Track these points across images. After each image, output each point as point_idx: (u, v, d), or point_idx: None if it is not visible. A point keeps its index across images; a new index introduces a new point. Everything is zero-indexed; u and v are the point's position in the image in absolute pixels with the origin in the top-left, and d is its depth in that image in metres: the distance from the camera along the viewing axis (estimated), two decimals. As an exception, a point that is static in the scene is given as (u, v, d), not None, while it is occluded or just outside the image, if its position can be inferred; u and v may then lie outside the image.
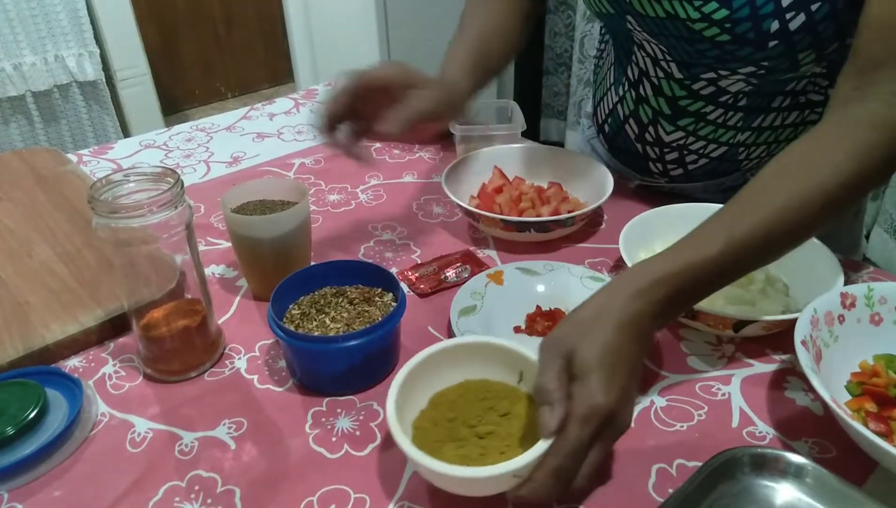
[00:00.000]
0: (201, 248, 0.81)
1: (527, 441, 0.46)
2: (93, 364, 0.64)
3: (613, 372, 0.48)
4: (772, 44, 0.64)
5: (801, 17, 0.62)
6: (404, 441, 0.47)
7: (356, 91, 0.67)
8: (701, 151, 0.80)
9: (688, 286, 0.52)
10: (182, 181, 0.56)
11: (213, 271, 0.77)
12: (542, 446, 0.46)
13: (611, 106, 0.87)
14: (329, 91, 0.67)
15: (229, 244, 0.82)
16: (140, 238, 0.55)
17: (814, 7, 0.62)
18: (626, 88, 0.83)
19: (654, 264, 0.53)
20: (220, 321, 0.69)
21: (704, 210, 0.74)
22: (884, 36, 0.57)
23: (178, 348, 0.62)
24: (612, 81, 0.86)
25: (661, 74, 0.77)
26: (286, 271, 0.65)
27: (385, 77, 0.67)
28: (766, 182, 0.55)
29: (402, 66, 0.68)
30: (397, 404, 0.49)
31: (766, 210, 0.53)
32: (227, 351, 0.65)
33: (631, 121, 0.84)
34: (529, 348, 0.52)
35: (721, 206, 0.56)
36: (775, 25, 0.63)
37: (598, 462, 0.48)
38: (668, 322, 0.56)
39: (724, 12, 0.64)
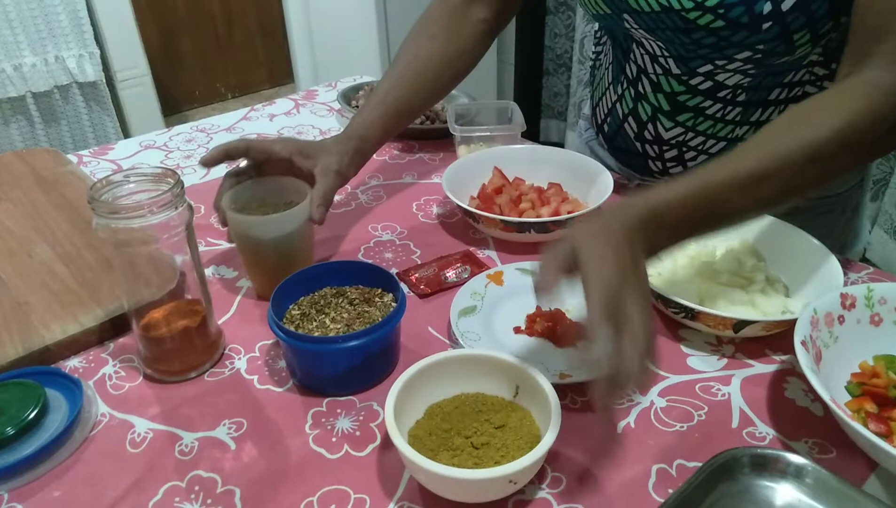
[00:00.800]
0: (201, 248, 0.81)
1: (521, 453, 0.47)
2: (93, 365, 0.64)
3: (615, 251, 0.49)
4: (766, 25, 0.65)
5: None
6: (402, 444, 0.47)
7: (245, 154, 0.76)
8: (700, 148, 0.81)
9: (691, 210, 0.55)
10: (182, 182, 0.56)
11: (213, 271, 0.77)
12: (538, 452, 0.46)
13: (609, 105, 0.88)
14: (209, 151, 0.75)
15: (229, 245, 0.82)
16: (140, 239, 0.55)
17: None
18: (625, 86, 0.83)
19: (655, 190, 0.55)
20: (220, 322, 0.69)
21: (704, 211, 0.75)
22: (878, 9, 0.58)
23: (178, 348, 0.62)
24: (609, 80, 0.87)
25: (659, 71, 0.78)
26: (289, 270, 0.65)
27: (279, 151, 0.76)
28: (762, 135, 0.58)
29: (292, 141, 0.78)
30: (395, 410, 0.50)
31: (761, 154, 0.56)
32: (227, 351, 0.65)
33: (630, 119, 0.84)
34: (528, 352, 0.52)
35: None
36: (768, 7, 0.64)
37: (639, 333, 0.47)
38: (664, 247, 0.57)
39: None
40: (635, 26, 0.74)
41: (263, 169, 0.76)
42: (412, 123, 0.92)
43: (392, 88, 0.84)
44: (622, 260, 0.49)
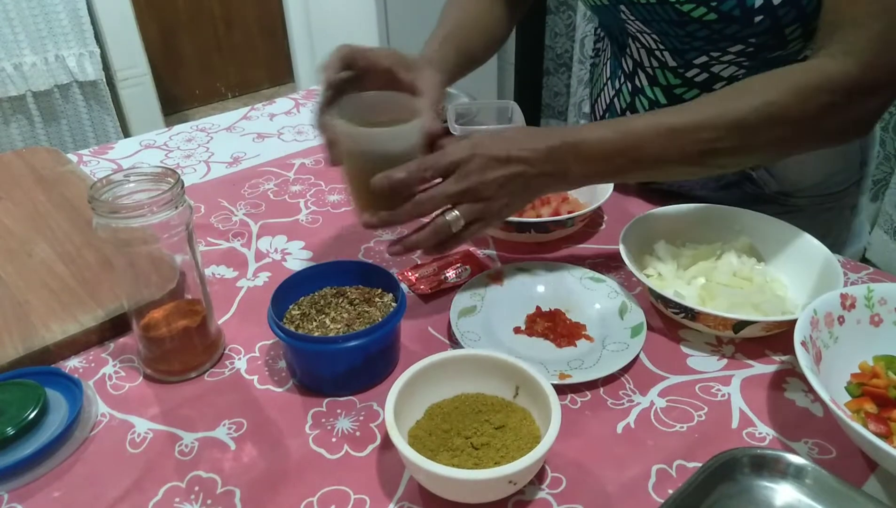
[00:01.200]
0: (201, 248, 0.81)
1: (521, 454, 0.47)
2: (93, 364, 0.64)
3: (497, 141, 0.60)
4: (757, 19, 0.66)
5: None
6: (402, 444, 0.47)
7: (352, 63, 0.67)
8: None
9: (608, 149, 0.61)
10: (182, 181, 0.56)
11: (213, 271, 0.77)
12: (538, 452, 0.46)
13: (608, 101, 0.88)
14: (326, 60, 0.67)
15: (229, 244, 0.82)
16: (140, 238, 0.55)
17: None
18: (622, 80, 0.84)
19: (575, 127, 0.62)
20: (220, 322, 0.69)
21: (704, 210, 0.75)
22: (834, 7, 0.62)
23: (178, 348, 0.62)
24: (608, 75, 0.88)
25: (655, 64, 0.78)
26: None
27: (381, 59, 0.68)
28: (698, 99, 0.64)
29: (394, 52, 0.70)
30: (395, 410, 0.50)
31: (691, 115, 0.61)
32: (227, 352, 0.65)
33: (628, 114, 0.84)
34: (528, 352, 0.52)
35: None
36: (759, 0, 0.64)
37: (446, 201, 0.60)
38: (576, 176, 0.63)
39: None
40: (631, 18, 0.75)
41: (363, 81, 0.69)
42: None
43: (450, 36, 0.79)
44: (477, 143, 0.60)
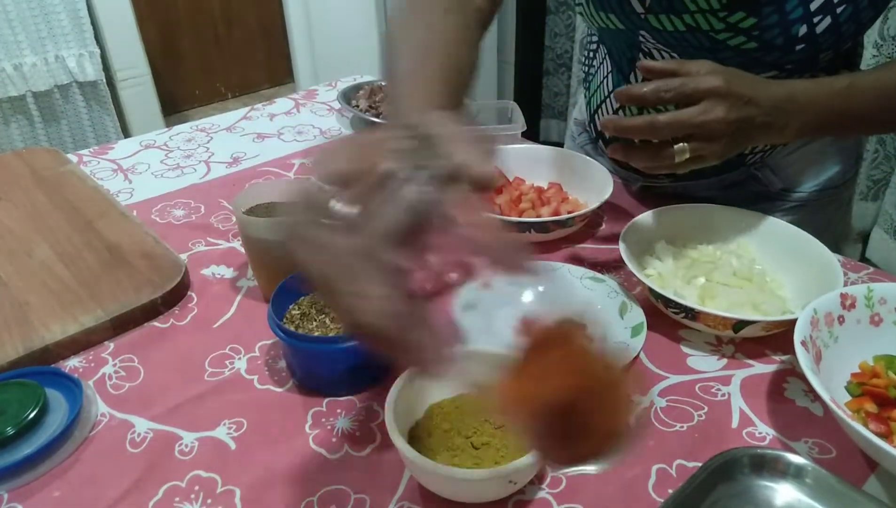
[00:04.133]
0: (202, 248, 0.81)
1: (522, 453, 0.47)
2: (93, 365, 0.64)
3: (740, 80, 0.59)
4: (798, 48, 0.65)
5: (828, 20, 0.63)
6: (402, 444, 0.47)
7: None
8: None
9: (823, 101, 0.63)
10: None
11: (213, 271, 0.77)
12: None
13: (610, 112, 0.87)
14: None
15: (229, 244, 0.82)
16: None
17: (839, 10, 0.62)
18: None
19: (795, 80, 0.63)
20: (220, 322, 0.69)
21: (704, 210, 0.75)
22: None
23: None
24: (610, 88, 0.86)
25: None
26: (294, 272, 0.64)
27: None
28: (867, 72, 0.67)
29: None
30: (395, 410, 0.50)
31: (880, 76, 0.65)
32: (227, 351, 0.65)
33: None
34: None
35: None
36: (803, 30, 0.63)
37: (688, 127, 0.58)
38: (795, 128, 0.63)
39: (752, 20, 0.64)
40: (652, 41, 0.73)
41: None
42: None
43: (425, 64, 0.59)
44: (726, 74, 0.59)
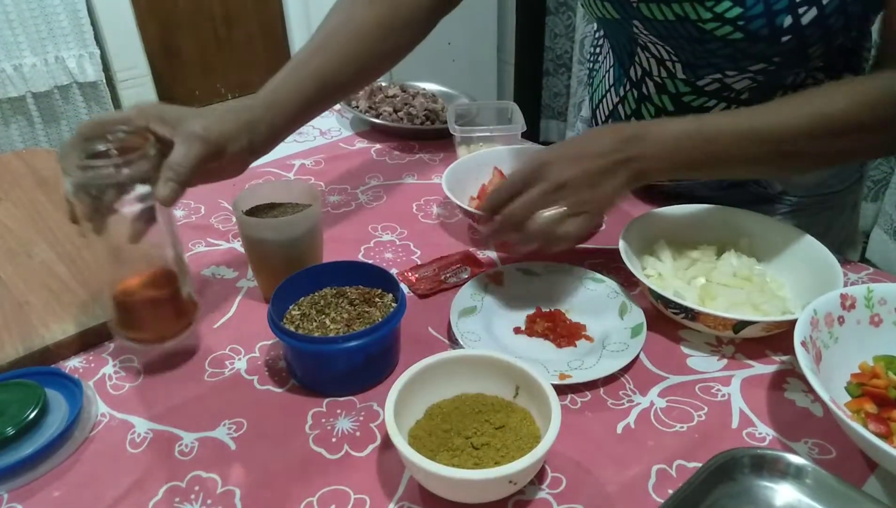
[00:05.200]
0: (202, 248, 0.81)
1: (521, 454, 0.47)
2: (93, 365, 0.64)
3: (565, 145, 0.63)
4: (784, 39, 0.65)
5: (813, 12, 0.63)
6: (402, 444, 0.47)
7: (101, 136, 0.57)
8: None
9: (686, 143, 0.62)
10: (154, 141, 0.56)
11: (213, 271, 0.77)
12: (538, 452, 0.46)
13: (611, 107, 0.87)
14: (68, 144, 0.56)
15: (229, 245, 0.82)
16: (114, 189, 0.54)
17: (825, 1, 0.62)
18: (628, 88, 0.83)
19: (649, 121, 0.65)
20: (220, 322, 0.69)
21: (704, 210, 0.75)
22: None
23: (150, 316, 0.61)
24: (611, 81, 0.86)
25: (664, 74, 0.77)
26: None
27: (134, 120, 0.59)
28: (775, 101, 0.65)
29: (151, 107, 0.63)
30: (395, 410, 0.50)
31: (761, 119, 0.63)
32: (227, 351, 0.65)
33: (633, 120, 0.84)
34: (528, 352, 0.52)
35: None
36: (788, 20, 0.63)
37: (532, 207, 0.60)
38: (649, 171, 0.63)
39: (737, 10, 0.64)
40: (645, 32, 0.74)
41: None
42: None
43: (316, 52, 0.70)
44: (559, 151, 0.63)
